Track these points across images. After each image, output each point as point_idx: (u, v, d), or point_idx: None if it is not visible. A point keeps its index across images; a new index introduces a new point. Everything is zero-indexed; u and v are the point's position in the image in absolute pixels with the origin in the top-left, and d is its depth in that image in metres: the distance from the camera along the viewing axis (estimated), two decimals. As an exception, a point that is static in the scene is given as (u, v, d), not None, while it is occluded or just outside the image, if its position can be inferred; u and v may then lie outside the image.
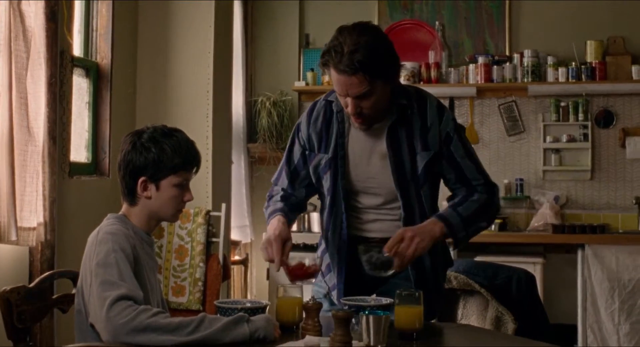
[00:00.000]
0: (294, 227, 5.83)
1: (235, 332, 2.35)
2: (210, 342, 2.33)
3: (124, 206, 2.68)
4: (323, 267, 3.00)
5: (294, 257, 2.81)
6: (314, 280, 2.85)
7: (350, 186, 2.92)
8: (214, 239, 4.76)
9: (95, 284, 2.41)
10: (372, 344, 2.35)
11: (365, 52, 2.64)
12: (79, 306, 2.57)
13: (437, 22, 6.22)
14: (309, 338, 2.39)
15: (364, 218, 2.94)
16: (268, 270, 5.71)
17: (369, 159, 2.88)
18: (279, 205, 3.02)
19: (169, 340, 2.30)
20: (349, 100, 2.72)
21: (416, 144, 2.81)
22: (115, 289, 2.36)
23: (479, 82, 6.01)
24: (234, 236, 5.75)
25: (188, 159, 2.65)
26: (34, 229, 3.76)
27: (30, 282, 2.85)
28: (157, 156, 2.59)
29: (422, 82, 6.09)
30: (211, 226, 4.77)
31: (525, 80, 5.96)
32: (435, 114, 2.83)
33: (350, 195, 2.94)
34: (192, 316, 2.38)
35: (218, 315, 2.48)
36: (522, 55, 6.00)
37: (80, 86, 4.60)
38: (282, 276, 5.48)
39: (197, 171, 2.73)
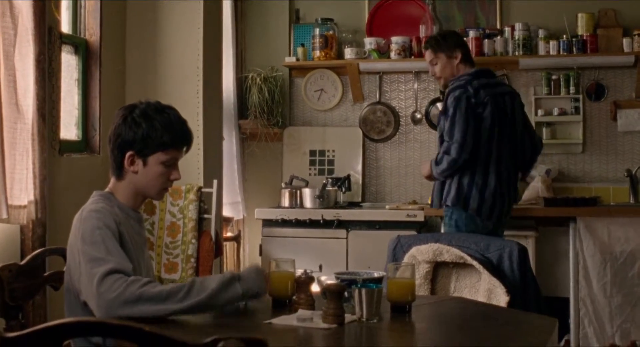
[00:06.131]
0: (286, 203, 5.85)
1: (228, 295, 2.37)
2: (206, 307, 2.33)
3: (112, 181, 2.67)
4: None
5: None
6: None
7: None
8: (206, 216, 4.75)
9: (84, 262, 2.41)
10: (364, 317, 2.36)
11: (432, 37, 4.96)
12: (68, 284, 2.57)
13: (427, -4, 6.19)
14: (301, 312, 2.39)
15: None
16: (260, 246, 5.72)
17: None
18: None
19: (163, 309, 2.30)
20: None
21: None
22: (103, 265, 2.36)
23: (470, 56, 5.98)
24: (226, 212, 5.74)
25: (178, 137, 2.63)
26: (24, 207, 3.75)
27: (21, 260, 2.84)
28: (147, 132, 2.58)
29: (413, 57, 6.07)
30: (203, 202, 4.76)
31: (517, 53, 5.94)
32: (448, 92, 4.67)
33: None
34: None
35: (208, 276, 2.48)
36: (513, 29, 5.97)
37: (69, 63, 4.57)
38: (274, 252, 5.49)
39: (187, 151, 2.71)
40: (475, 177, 4.53)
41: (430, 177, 4.73)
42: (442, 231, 4.86)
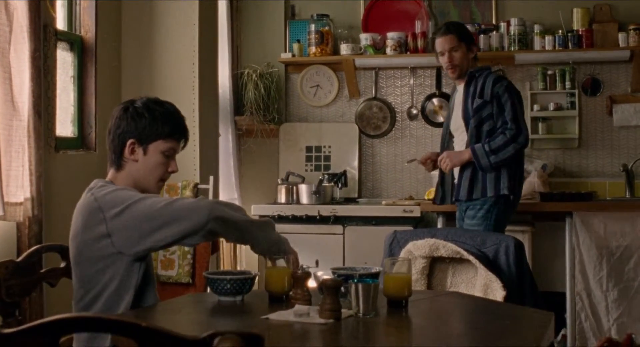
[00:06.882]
0: (283, 199, 5.85)
1: (264, 233, 2.63)
2: (250, 231, 2.58)
3: (110, 173, 2.70)
4: None
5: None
6: None
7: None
8: (203, 212, 4.74)
9: (132, 212, 2.50)
10: (361, 312, 2.36)
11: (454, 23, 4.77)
12: (77, 280, 2.58)
13: (423, -8, 6.18)
14: (298, 307, 2.40)
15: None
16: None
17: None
18: None
19: (232, 215, 2.54)
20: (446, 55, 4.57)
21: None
22: (155, 196, 2.58)
23: (466, 51, 5.97)
24: (223, 209, 5.72)
25: (178, 128, 2.72)
26: (21, 204, 3.75)
27: (18, 257, 2.84)
28: (149, 121, 2.66)
29: (408, 52, 6.06)
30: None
31: (512, 48, 5.94)
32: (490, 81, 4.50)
33: None
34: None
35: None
36: (508, 24, 5.97)
37: (65, 60, 4.56)
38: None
39: (184, 146, 2.78)
40: (520, 166, 4.60)
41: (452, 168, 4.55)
42: (457, 225, 4.67)
